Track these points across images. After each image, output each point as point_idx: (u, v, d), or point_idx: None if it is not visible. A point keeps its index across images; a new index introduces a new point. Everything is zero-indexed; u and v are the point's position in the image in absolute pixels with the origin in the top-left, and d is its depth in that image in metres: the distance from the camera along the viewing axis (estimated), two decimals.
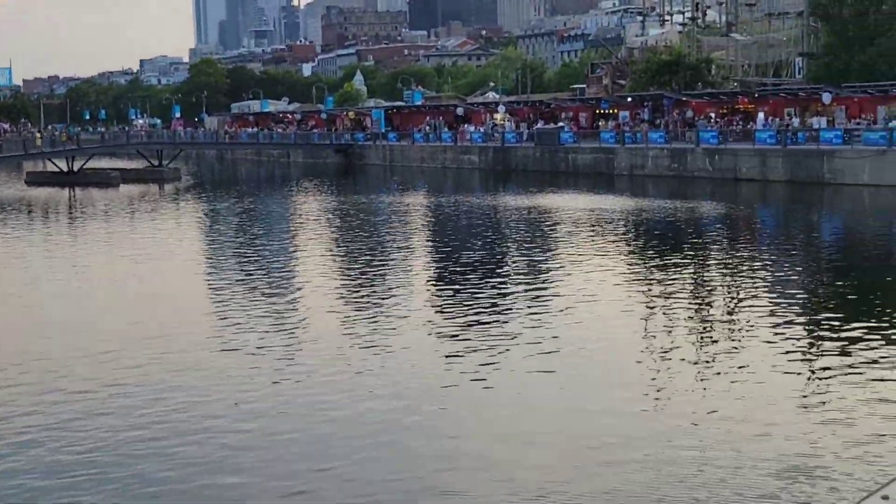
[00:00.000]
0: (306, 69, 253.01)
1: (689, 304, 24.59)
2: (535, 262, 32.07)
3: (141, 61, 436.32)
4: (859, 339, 19.89)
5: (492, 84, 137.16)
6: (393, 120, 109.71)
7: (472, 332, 21.46)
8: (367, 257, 34.30)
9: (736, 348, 19.83)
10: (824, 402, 16.07)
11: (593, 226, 41.49)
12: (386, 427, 15.42)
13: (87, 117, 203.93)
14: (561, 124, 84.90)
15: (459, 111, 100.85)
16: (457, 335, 21.32)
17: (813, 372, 17.95)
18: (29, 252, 39.39)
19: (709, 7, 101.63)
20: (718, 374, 18.02)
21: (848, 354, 18.86)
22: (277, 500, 12.95)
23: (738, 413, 15.58)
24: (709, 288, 27.20)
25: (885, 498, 4.33)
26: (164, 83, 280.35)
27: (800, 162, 58.14)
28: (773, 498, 12.48)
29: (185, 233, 45.83)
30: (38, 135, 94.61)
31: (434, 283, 29.41)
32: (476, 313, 23.51)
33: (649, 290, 26.76)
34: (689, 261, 31.30)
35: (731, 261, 31.39)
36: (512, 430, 15.29)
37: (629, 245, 36.79)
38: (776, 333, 20.84)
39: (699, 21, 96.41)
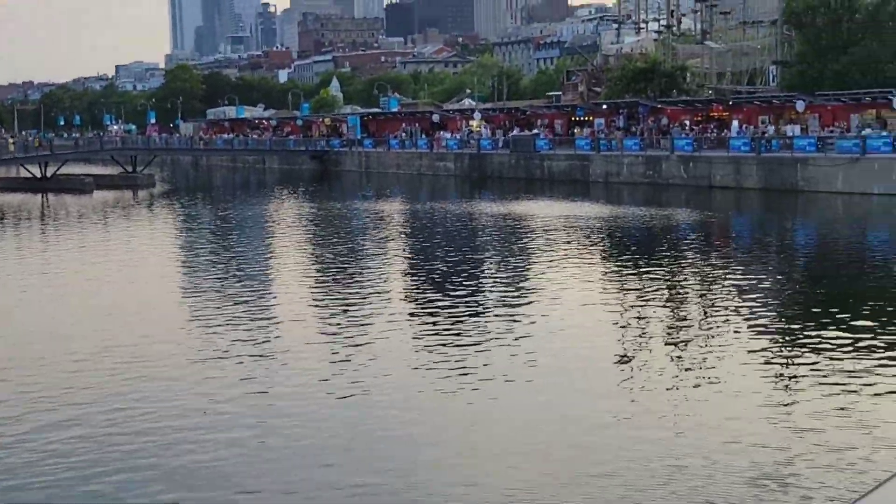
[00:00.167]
0: (283, 75, 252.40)
1: (663, 312, 24.58)
2: (509, 270, 32.01)
3: (116, 67, 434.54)
4: (831, 347, 19.91)
5: (468, 91, 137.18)
6: (369, 126, 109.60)
7: (446, 341, 21.36)
8: (341, 265, 34.15)
9: (709, 356, 19.81)
10: (796, 411, 16.06)
11: (568, 233, 41.49)
12: (355, 436, 15.30)
13: (62, 123, 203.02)
14: (536, 131, 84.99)
15: (435, 118, 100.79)
16: (430, 344, 21.22)
17: (785, 380, 17.95)
18: None
19: (684, 15, 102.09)
20: (691, 382, 17.99)
21: (820, 362, 18.88)
22: None
23: (711, 421, 15.55)
24: (682, 296, 27.20)
25: None
26: (140, 89, 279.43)
27: (774, 169, 58.38)
28: None
29: (158, 239, 45.54)
30: (11, 140, 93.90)
31: (408, 291, 29.30)
32: (450, 322, 23.41)
33: (623, 298, 26.74)
34: (663, 268, 31.30)
35: (705, 269, 31.45)
36: (483, 439, 15.21)
37: (604, 253, 36.79)
38: (749, 341, 20.86)
39: (674, 29, 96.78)
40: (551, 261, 33.53)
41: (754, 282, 28.54)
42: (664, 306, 25.19)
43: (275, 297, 28.13)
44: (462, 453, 14.57)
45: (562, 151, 75.70)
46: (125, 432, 15.58)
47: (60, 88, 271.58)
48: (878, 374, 17.87)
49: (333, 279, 31.14)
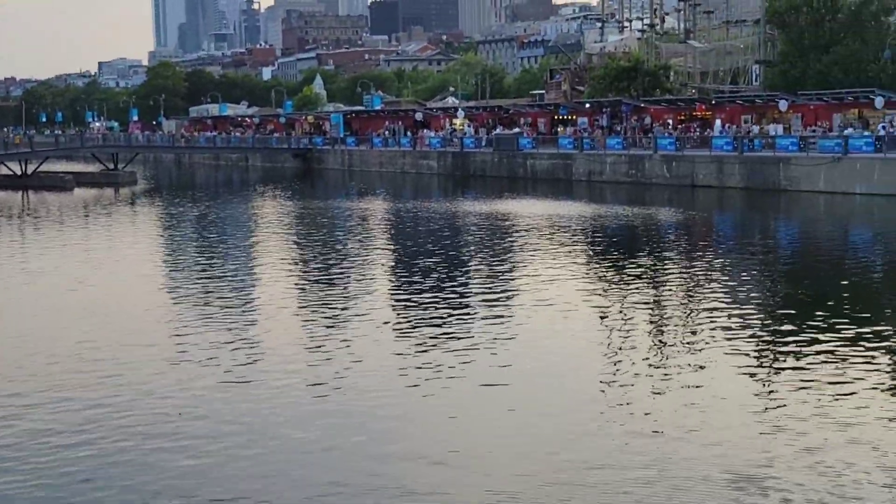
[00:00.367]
0: (266, 73, 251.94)
1: (645, 311, 24.49)
2: (492, 270, 31.87)
3: (99, 64, 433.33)
4: (812, 348, 19.86)
5: (451, 89, 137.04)
6: (352, 124, 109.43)
7: (427, 342, 21.24)
8: (323, 265, 33.98)
9: (689, 358, 19.71)
10: (775, 412, 15.97)
11: (551, 232, 41.41)
12: (333, 440, 15.14)
13: (44, 120, 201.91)
14: (517, 129, 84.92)
15: (418, 116, 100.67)
16: (411, 345, 21.08)
17: (764, 381, 17.87)
18: None
19: (667, 14, 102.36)
20: (671, 383, 17.88)
21: (800, 363, 18.82)
22: None
23: (689, 424, 15.44)
24: (664, 296, 27.10)
25: None
26: (123, 86, 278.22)
27: (756, 169, 58.45)
28: None
29: (138, 238, 45.26)
30: None
31: (390, 290, 29.12)
32: (431, 322, 23.29)
33: (605, 297, 26.64)
34: (645, 268, 31.22)
35: (687, 268, 31.38)
36: (462, 441, 15.07)
37: (586, 252, 36.69)
38: (730, 342, 20.77)
39: (658, 28, 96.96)
40: (534, 260, 33.43)
41: (736, 281, 28.50)
42: (645, 307, 25.10)
43: (256, 297, 27.93)
44: (439, 457, 14.41)
45: (545, 150, 75.63)
46: (98, 436, 15.37)
47: (42, 85, 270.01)
48: (858, 375, 17.80)
49: (315, 279, 30.97)
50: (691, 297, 26.52)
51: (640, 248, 36.31)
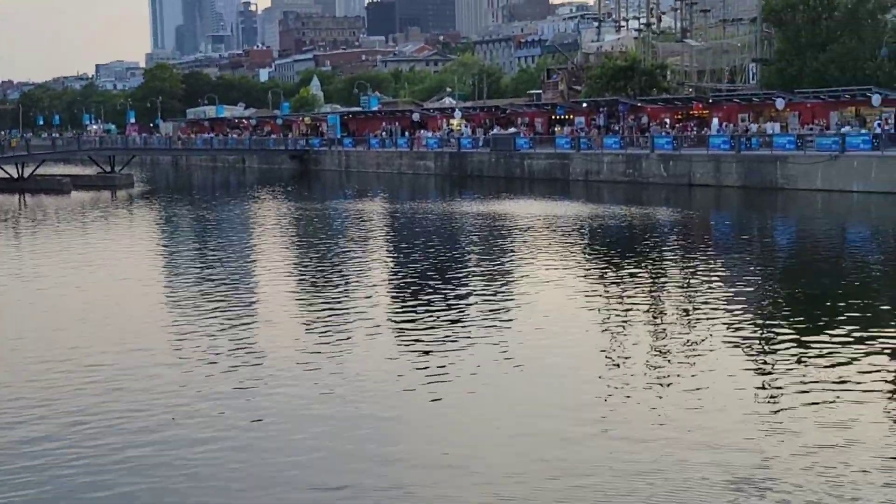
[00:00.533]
0: (263, 74, 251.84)
1: (642, 312, 24.41)
2: (489, 271, 31.77)
3: (97, 66, 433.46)
4: (810, 347, 19.78)
5: (448, 89, 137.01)
6: (349, 126, 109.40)
7: (425, 342, 21.16)
8: (320, 265, 33.90)
9: (686, 358, 19.62)
10: (773, 412, 15.89)
11: (548, 232, 41.34)
12: (330, 441, 15.05)
13: (41, 123, 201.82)
14: (513, 130, 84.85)
15: (415, 117, 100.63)
16: (408, 346, 21.02)
17: (763, 381, 17.78)
18: None
19: (664, 13, 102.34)
20: (668, 384, 17.79)
21: (798, 362, 18.73)
22: None
23: (687, 424, 15.35)
24: (661, 296, 27.01)
25: None
26: (120, 88, 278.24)
27: (753, 167, 58.40)
28: None
29: (134, 240, 45.11)
30: None
31: (388, 291, 29.01)
32: (429, 323, 23.20)
33: (602, 297, 26.54)
34: (642, 268, 31.15)
35: (684, 268, 31.31)
36: (459, 442, 14.99)
37: (583, 252, 36.59)
38: (728, 341, 20.70)
39: (654, 27, 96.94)
40: (531, 261, 33.36)
41: (733, 281, 28.42)
42: (642, 307, 25.01)
43: (253, 300, 27.82)
44: (435, 458, 14.34)
45: (542, 150, 75.61)
46: (93, 440, 15.29)
47: (40, 88, 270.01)
48: (856, 375, 17.73)
49: (311, 282, 30.88)
50: (688, 297, 26.42)
51: (638, 248, 36.23)
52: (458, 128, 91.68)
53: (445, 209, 53.28)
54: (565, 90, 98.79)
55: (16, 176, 78.59)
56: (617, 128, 77.19)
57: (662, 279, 29.48)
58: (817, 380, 17.54)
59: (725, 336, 21.21)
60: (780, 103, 65.65)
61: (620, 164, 67.18)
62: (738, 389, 17.17)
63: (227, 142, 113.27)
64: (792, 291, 27.32)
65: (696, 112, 75.06)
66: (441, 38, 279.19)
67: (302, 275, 32.49)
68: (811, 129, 63.15)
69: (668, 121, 75.29)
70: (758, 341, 20.85)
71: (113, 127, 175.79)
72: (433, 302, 25.79)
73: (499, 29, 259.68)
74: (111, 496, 13.17)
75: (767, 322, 22.84)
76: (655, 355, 19.98)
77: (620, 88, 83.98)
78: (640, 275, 29.73)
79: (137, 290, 29.58)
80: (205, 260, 36.24)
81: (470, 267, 32.91)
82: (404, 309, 25.42)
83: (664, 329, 22.64)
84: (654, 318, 23.84)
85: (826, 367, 18.35)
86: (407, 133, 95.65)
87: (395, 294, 28.24)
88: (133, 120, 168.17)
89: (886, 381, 17.49)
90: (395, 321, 23.90)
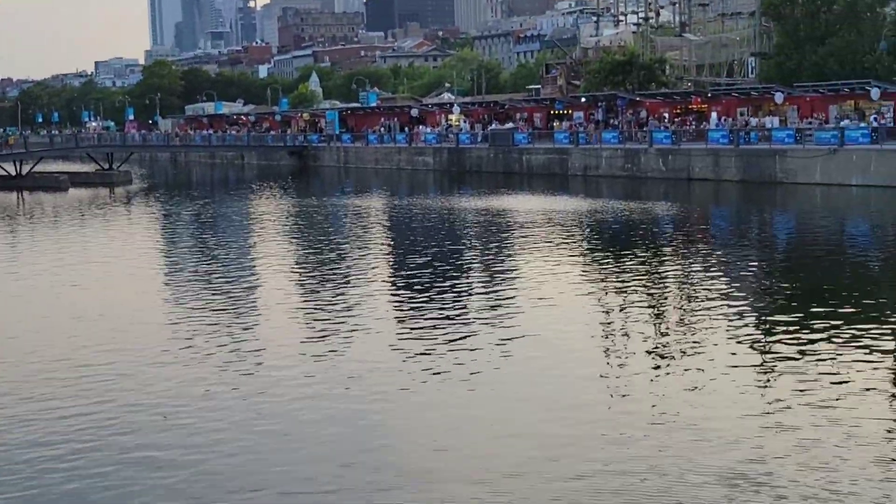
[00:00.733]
0: (262, 70, 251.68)
1: (640, 307, 24.32)
2: (487, 266, 31.72)
3: (96, 63, 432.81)
4: (808, 342, 19.72)
5: (447, 85, 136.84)
6: (347, 121, 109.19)
7: (425, 337, 21.15)
8: (318, 262, 33.84)
9: (684, 353, 19.57)
10: (769, 407, 15.81)
11: (547, 228, 41.22)
12: (326, 438, 14.99)
13: (40, 120, 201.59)
14: (510, 125, 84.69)
15: (414, 112, 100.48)
16: (406, 342, 20.98)
17: (760, 376, 17.71)
18: None
19: (662, 7, 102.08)
20: (666, 379, 17.74)
21: (795, 357, 18.68)
22: None
23: (683, 419, 15.30)
24: (660, 291, 26.94)
25: None
26: (119, 85, 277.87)
27: (752, 162, 58.29)
28: None
29: (132, 237, 44.97)
30: None
31: (387, 287, 28.92)
32: (429, 318, 23.19)
33: (602, 292, 26.49)
34: (641, 263, 31.04)
35: (683, 263, 31.22)
36: (456, 437, 14.94)
37: (582, 247, 36.51)
38: (725, 336, 20.67)
39: (653, 21, 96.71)
40: (529, 257, 33.27)
41: (732, 275, 28.36)
42: (640, 302, 24.93)
43: (252, 296, 27.69)
44: (432, 453, 14.29)
45: (540, 145, 75.46)
46: (87, 437, 15.21)
47: (39, 85, 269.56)
48: (853, 369, 17.67)
49: (310, 278, 30.81)
50: (686, 292, 26.37)
51: (636, 244, 36.13)
52: (457, 123, 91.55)
53: (444, 205, 53.18)
54: (564, 85, 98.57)
55: (14, 173, 78.49)
56: (615, 122, 77.04)
57: (661, 274, 29.38)
58: (815, 375, 17.48)
59: (723, 331, 21.15)
60: (778, 97, 65.51)
61: (619, 158, 67.06)
62: (736, 385, 17.10)
63: (226, 138, 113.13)
64: (790, 286, 27.23)
65: (694, 106, 74.91)
66: (440, 33, 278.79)
67: (300, 271, 32.39)
68: (810, 122, 63.04)
69: (666, 115, 75.15)
70: (756, 336, 20.77)
71: (112, 124, 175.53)
72: (431, 298, 25.71)
73: (498, 24, 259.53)
74: (107, 496, 13.11)
75: (765, 317, 22.76)
76: (653, 350, 19.90)
77: (619, 83, 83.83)
78: (638, 270, 29.63)
79: (134, 287, 29.51)
80: (202, 257, 36.15)
81: (468, 263, 32.83)
82: (402, 305, 25.37)
83: (661, 324, 22.58)
84: (653, 313, 23.76)
85: (824, 362, 18.28)
86: (406, 129, 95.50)
87: (393, 291, 28.16)
88: (132, 117, 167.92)
89: (884, 377, 17.41)
90: (393, 318, 23.86)
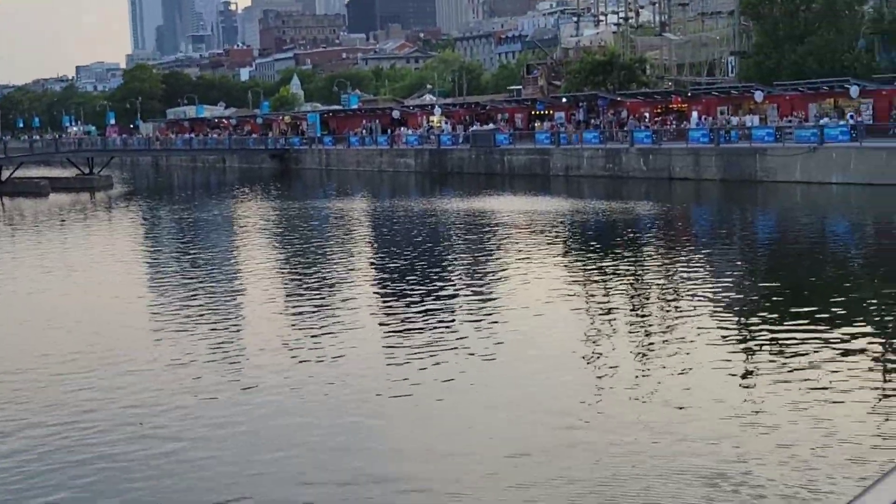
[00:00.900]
0: (244, 73, 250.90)
1: (622, 308, 24.34)
2: (470, 268, 31.69)
3: (77, 68, 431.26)
4: (788, 341, 19.72)
5: (429, 86, 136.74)
6: (329, 124, 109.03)
7: (408, 340, 21.08)
8: (301, 265, 33.75)
9: (665, 352, 19.55)
10: (750, 407, 15.81)
11: (529, 229, 41.23)
12: (317, 440, 14.93)
13: (21, 125, 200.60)
14: (492, 126, 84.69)
15: (396, 114, 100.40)
16: (389, 345, 20.93)
17: (740, 375, 17.73)
18: None
19: (642, 7, 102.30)
20: (647, 379, 17.73)
21: (776, 358, 18.68)
22: None
23: (664, 419, 15.29)
24: (642, 291, 26.96)
25: None
26: (101, 90, 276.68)
27: (733, 160, 58.41)
28: None
29: (113, 242, 44.81)
30: None
31: (370, 290, 28.86)
32: (411, 321, 23.12)
33: (584, 292, 26.50)
34: (623, 263, 31.08)
35: (665, 262, 31.27)
36: (441, 441, 14.92)
37: (564, 248, 36.53)
38: (707, 336, 20.66)
39: (633, 21, 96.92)
40: (511, 258, 33.25)
41: (713, 274, 28.41)
42: (623, 302, 24.96)
43: (234, 300, 27.61)
44: (420, 455, 14.25)
45: (522, 146, 75.47)
46: (62, 443, 15.11)
47: (19, 90, 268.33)
48: (833, 370, 17.65)
49: (292, 282, 30.75)
50: (668, 291, 26.38)
51: (618, 244, 36.19)
52: (439, 125, 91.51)
53: (426, 207, 53.13)
54: (545, 86, 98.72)
55: None
56: (596, 122, 77.14)
57: (642, 275, 29.41)
58: (795, 374, 17.48)
59: (704, 330, 21.15)
60: (758, 96, 65.71)
61: (600, 158, 67.11)
62: (716, 384, 17.11)
63: (207, 142, 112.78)
64: (771, 285, 27.28)
65: (675, 106, 75.08)
66: (422, 34, 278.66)
67: (281, 276, 32.31)
68: (790, 121, 63.22)
69: (647, 115, 75.29)
70: (736, 336, 20.80)
71: (93, 129, 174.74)
72: (414, 301, 25.65)
73: (479, 25, 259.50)
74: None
75: (746, 316, 22.79)
76: (635, 350, 19.91)
77: (600, 83, 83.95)
78: (620, 270, 29.66)
79: (114, 293, 29.34)
80: (183, 261, 36.01)
81: (451, 265, 32.80)
82: (385, 308, 25.33)
83: (644, 324, 22.59)
84: (634, 313, 23.78)
85: (804, 360, 18.28)
86: (387, 131, 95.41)
87: (375, 293, 28.11)
88: (113, 121, 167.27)
89: (864, 376, 17.42)
90: (376, 321, 23.81)
